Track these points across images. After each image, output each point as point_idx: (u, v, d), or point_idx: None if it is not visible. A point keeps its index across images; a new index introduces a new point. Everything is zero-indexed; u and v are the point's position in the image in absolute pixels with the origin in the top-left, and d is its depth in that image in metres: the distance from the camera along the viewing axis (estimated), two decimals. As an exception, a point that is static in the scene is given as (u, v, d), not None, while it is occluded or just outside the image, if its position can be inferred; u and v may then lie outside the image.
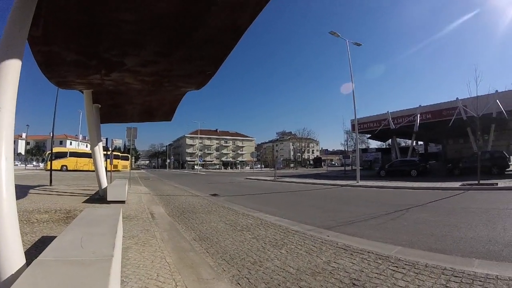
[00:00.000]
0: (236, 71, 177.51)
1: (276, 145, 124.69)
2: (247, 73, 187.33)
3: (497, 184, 16.09)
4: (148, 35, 5.11)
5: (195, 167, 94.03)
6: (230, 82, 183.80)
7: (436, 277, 4.25)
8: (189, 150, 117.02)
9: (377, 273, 4.47)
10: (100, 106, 14.03)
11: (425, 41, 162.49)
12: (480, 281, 4.07)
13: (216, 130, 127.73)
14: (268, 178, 32.11)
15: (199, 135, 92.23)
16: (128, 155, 49.49)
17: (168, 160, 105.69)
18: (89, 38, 5.84)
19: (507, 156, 25.28)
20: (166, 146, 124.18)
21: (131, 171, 37.67)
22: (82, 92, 12.38)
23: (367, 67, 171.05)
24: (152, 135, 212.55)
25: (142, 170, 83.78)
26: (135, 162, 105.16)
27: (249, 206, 12.20)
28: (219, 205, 12.54)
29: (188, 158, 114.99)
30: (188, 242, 6.69)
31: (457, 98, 31.95)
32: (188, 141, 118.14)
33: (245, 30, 4.89)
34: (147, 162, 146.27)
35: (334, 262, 5.03)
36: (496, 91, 29.75)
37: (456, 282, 4.06)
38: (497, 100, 28.68)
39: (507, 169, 24.29)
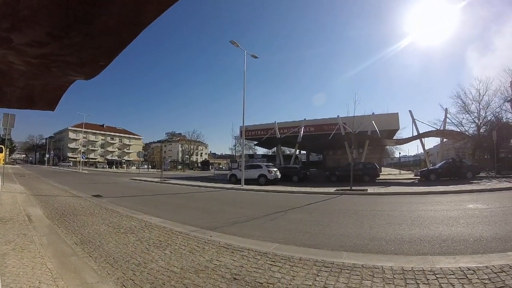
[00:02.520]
0: (131, 66, 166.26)
1: (165, 146, 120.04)
2: (142, 70, 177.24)
3: (367, 190, 18.19)
4: (44, 13, 4.52)
5: (74, 164, 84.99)
6: (124, 77, 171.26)
7: (309, 268, 4.74)
8: (72, 145, 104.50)
9: (256, 268, 4.79)
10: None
11: (315, 60, 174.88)
12: (347, 269, 4.65)
13: (103, 125, 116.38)
14: (155, 180, 31.12)
15: (83, 129, 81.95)
16: (2, 146, 42.78)
17: (47, 155, 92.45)
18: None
19: (378, 167, 30.32)
20: (46, 138, 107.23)
21: (5, 166, 32.61)
22: None
23: (266, 78, 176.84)
24: (31, 125, 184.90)
25: (17, 166, 72.70)
26: (9, 156, 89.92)
27: (134, 208, 11.71)
28: (102, 207, 11.72)
29: (70, 154, 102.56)
30: (70, 246, 6.22)
31: (338, 115, 36.38)
32: (71, 135, 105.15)
33: (147, 25, 4.67)
34: (23, 156, 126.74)
35: (216, 260, 5.21)
36: (373, 113, 36.03)
37: (326, 272, 4.58)
38: (373, 121, 33.77)
39: (378, 178, 29.01)
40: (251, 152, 73.50)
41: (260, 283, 4.21)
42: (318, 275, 4.42)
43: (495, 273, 4.32)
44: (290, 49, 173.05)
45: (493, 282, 4.01)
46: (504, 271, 4.34)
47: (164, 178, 31.91)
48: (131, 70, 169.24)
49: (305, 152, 60.75)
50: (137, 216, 9.79)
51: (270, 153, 63.79)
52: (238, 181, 26.77)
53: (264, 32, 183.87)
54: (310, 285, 4.13)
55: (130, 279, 4.45)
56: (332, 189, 18.94)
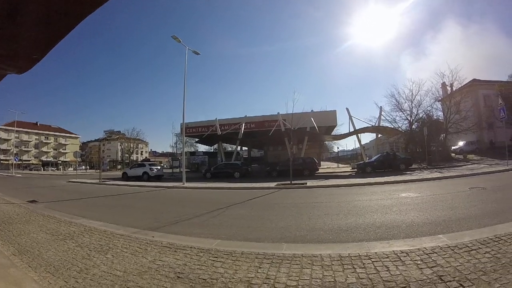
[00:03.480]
0: (66, 60, 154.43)
1: (103, 145, 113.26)
2: (78, 65, 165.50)
3: (306, 183, 18.88)
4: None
5: (6, 167, 77.49)
6: (59, 72, 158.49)
7: (251, 261, 4.78)
8: (3, 146, 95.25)
9: (199, 265, 4.76)
10: None
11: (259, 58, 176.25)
12: (288, 260, 4.74)
13: (36, 124, 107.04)
14: (94, 181, 29.61)
15: (15, 128, 74.08)
16: None
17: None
18: None
19: (317, 162, 32.12)
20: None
21: None
22: None
23: (211, 74, 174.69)
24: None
25: None
26: None
27: (72, 212, 10.99)
28: (38, 213, 10.85)
29: (1, 156, 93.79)
30: (7, 257, 5.70)
31: (278, 112, 37.64)
32: (2, 134, 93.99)
33: (84, 17, 4.37)
34: None
35: (159, 260, 5.10)
36: (312, 110, 38.11)
37: (268, 263, 4.65)
38: (312, 118, 35.43)
39: (317, 172, 30.29)
40: (192, 149, 72.73)
41: (203, 279, 4.20)
42: (260, 267, 4.49)
43: (426, 254, 4.64)
44: (235, 46, 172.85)
45: (425, 263, 4.30)
46: (435, 252, 4.68)
47: (103, 179, 30.41)
48: (67, 65, 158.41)
49: (246, 148, 61.25)
50: (76, 220, 9.23)
51: (212, 150, 63.53)
52: (129, 179, 30.69)
53: (209, 28, 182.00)
54: (252, 277, 4.17)
55: (73, 287, 4.23)
56: (272, 184, 19.26)
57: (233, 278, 4.18)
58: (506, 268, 4.00)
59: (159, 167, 34.06)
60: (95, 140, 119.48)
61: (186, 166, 29.93)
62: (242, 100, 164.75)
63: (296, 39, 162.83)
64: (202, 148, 71.76)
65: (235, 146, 44.35)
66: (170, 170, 48.23)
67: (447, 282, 3.69)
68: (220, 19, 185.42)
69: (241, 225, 8.16)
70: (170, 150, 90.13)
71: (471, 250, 4.72)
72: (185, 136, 30.97)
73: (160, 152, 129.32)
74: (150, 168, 32.12)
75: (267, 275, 4.20)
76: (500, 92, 36.30)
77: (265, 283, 3.97)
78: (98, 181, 29.15)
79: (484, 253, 4.56)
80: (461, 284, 3.61)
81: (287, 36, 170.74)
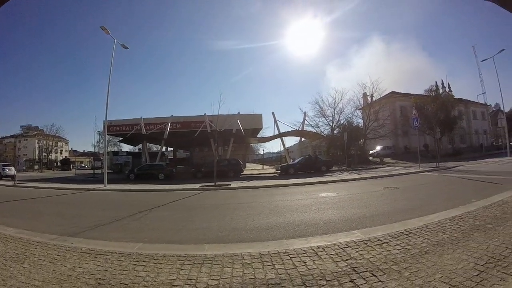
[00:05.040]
0: None
1: (19, 142, 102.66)
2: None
3: (230, 184, 19.00)
4: None
5: None
6: None
7: (173, 264, 4.70)
8: None
9: (120, 270, 4.58)
10: None
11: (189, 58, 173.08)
12: (209, 260, 4.74)
13: None
14: (7, 183, 26.93)
15: None
16: None
17: None
18: None
19: (242, 163, 32.45)
20: None
21: None
22: None
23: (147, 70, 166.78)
24: None
25: None
26: None
27: None
28: None
29: None
30: None
31: (205, 113, 37.12)
32: None
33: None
34: None
35: (79, 267, 4.80)
36: (238, 112, 38.28)
37: (190, 265, 4.60)
38: (238, 120, 35.58)
39: (242, 173, 30.58)
40: (116, 149, 69.61)
41: (125, 284, 4.06)
42: (182, 269, 4.44)
43: (341, 248, 4.95)
44: (164, 43, 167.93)
45: (340, 256, 4.58)
46: (350, 246, 5.02)
47: (18, 180, 27.69)
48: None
49: (172, 149, 60.00)
50: (-13, 228, 8.35)
51: (136, 150, 61.10)
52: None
53: (137, 21, 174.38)
54: (174, 279, 4.11)
55: (-11, 301, 3.83)
56: (197, 185, 19.08)
57: (155, 281, 4.10)
58: (415, 258, 4.41)
59: (12, 168, 38.08)
60: (10, 136, 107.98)
61: (109, 167, 28.55)
62: (169, 99, 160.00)
63: (224, 40, 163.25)
64: (126, 148, 68.85)
65: (160, 146, 43.10)
66: (92, 171, 45.35)
67: (360, 273, 3.95)
68: (149, 12, 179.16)
69: (163, 228, 8.02)
70: (92, 149, 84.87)
71: (383, 243, 5.13)
72: (108, 134, 29.60)
73: (82, 151, 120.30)
74: (3, 169, 36.47)
75: (189, 276, 4.16)
76: (415, 104, 40.18)
77: (187, 284, 3.94)
78: (13, 182, 26.66)
79: (395, 245, 4.99)
80: (373, 274, 3.89)
81: (214, 37, 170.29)
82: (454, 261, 4.22)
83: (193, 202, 13.16)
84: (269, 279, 3.90)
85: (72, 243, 6.39)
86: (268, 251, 4.95)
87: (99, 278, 4.30)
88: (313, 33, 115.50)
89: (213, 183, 18.87)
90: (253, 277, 4.00)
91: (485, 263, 4.07)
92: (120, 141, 58.64)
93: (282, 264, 4.40)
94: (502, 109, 53.07)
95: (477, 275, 3.73)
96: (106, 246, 5.97)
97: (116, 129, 41.12)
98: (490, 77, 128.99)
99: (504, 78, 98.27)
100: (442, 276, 3.76)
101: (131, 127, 40.00)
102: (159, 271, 4.44)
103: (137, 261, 4.93)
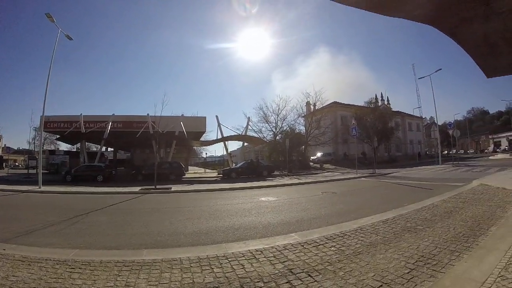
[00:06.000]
0: None
1: None
2: None
3: (171, 188, 18.71)
4: None
5: None
6: None
7: (110, 270, 4.55)
8: None
9: (55, 278, 4.35)
10: None
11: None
12: (147, 266, 4.65)
13: None
14: None
15: None
16: None
17: None
18: None
19: (184, 166, 31.88)
20: None
21: None
22: None
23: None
24: None
25: None
26: None
27: None
28: None
29: None
30: None
31: (148, 113, 34.84)
32: None
33: None
34: None
35: (13, 276, 4.49)
36: (182, 114, 38.22)
37: (127, 271, 4.49)
38: (181, 122, 34.77)
39: (183, 177, 30.15)
40: (53, 147, 65.48)
41: None
42: (119, 275, 4.31)
43: (279, 251, 5.09)
44: (109, 37, 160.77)
45: (277, 258, 4.72)
46: (287, 249, 5.18)
47: None
48: None
49: (112, 149, 57.67)
50: None
51: (75, 149, 57.84)
52: None
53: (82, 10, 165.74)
54: (111, 286, 4.00)
55: None
56: (137, 188, 18.53)
57: (92, 288, 3.97)
58: (349, 258, 4.65)
59: None
60: None
61: (45, 167, 26.61)
62: (111, 96, 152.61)
63: (171, 38, 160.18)
64: (63, 146, 64.94)
65: (100, 146, 41.08)
66: (26, 171, 42.05)
67: (296, 274, 4.09)
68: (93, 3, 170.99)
69: (101, 233, 7.68)
70: (27, 146, 78.53)
71: (319, 245, 5.36)
72: (45, 131, 27.56)
73: (16, 148, 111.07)
74: None
75: (127, 282, 4.07)
76: (355, 114, 42.88)
77: (125, 290, 3.85)
78: None
79: (331, 247, 5.23)
80: (309, 275, 4.04)
81: (158, 39, 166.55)
82: (386, 260, 4.52)
83: (133, 205, 12.75)
84: (207, 283, 3.91)
85: (4, 249, 5.96)
86: (207, 255, 4.96)
87: (34, 287, 4.08)
88: (261, 42, 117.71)
89: (153, 186, 18.46)
90: (191, 281, 3.99)
91: (416, 262, 4.41)
92: (57, 139, 54.66)
93: (221, 267, 4.43)
94: (435, 122, 57.89)
95: (408, 273, 4.03)
96: (40, 253, 5.63)
97: (53, 126, 38.08)
98: (426, 93, 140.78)
99: (438, 95, 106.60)
100: (374, 275, 3.99)
101: (70, 124, 37.09)
102: (96, 278, 4.28)
103: (73, 268, 4.73)
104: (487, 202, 9.29)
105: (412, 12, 8.05)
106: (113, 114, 36.96)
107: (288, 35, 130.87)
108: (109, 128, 35.19)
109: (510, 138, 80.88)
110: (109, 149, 54.76)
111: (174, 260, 4.80)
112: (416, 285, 3.70)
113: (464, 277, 3.85)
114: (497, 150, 75.90)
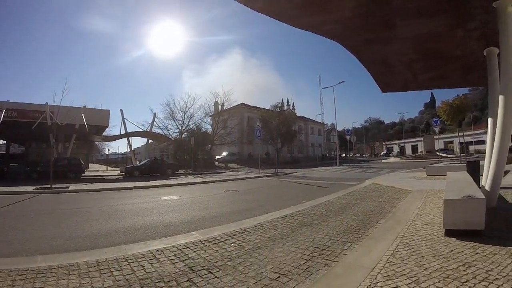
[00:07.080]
0: None
1: None
2: None
3: (69, 187, 17.58)
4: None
5: None
6: None
7: (3, 280, 4.15)
8: None
9: None
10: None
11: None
12: (43, 273, 4.36)
13: None
14: None
15: None
16: None
17: None
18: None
19: (83, 164, 29.27)
20: None
21: None
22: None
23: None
24: None
25: None
26: None
27: None
28: None
29: None
30: None
31: (46, 103, 30.78)
32: None
33: None
34: None
35: None
36: (84, 106, 34.97)
37: (21, 280, 4.14)
38: (83, 114, 32.12)
39: (83, 175, 27.97)
40: None
41: None
42: (13, 286, 3.97)
43: (180, 250, 5.23)
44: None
45: (178, 257, 4.85)
46: (188, 247, 5.35)
47: None
48: None
49: (5, 142, 51.13)
50: None
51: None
52: None
53: None
54: None
55: None
56: (31, 188, 16.93)
57: (-18, 303, 3.64)
58: (249, 253, 4.97)
59: None
60: None
61: None
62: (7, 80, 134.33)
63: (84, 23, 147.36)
64: None
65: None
66: None
67: (197, 271, 4.26)
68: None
69: (-11, 239, 6.91)
70: None
71: (220, 242, 5.62)
72: None
73: None
74: None
75: (22, 293, 3.81)
76: (261, 117, 44.47)
77: (19, 302, 3.62)
78: None
79: (231, 243, 5.53)
80: (210, 271, 4.24)
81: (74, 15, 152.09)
82: (284, 253, 4.93)
83: (25, 207, 11.59)
84: (106, 287, 3.88)
85: None
86: (106, 258, 4.87)
87: None
88: (175, 35, 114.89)
89: (49, 185, 17.09)
90: (90, 286, 3.92)
91: (311, 253, 4.87)
92: None
93: (120, 270, 4.40)
94: (335, 128, 65.06)
95: (304, 263, 4.44)
96: None
97: None
98: (329, 101, 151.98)
99: (340, 104, 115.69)
100: (273, 267, 4.33)
101: None
102: (-11, 289, 3.92)
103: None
104: (378, 198, 10.46)
105: (319, 27, 8.73)
106: (8, 100, 32.08)
107: (203, 34, 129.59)
108: (2, 117, 29.83)
109: (401, 145, 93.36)
110: (1, 141, 48.88)
111: (72, 265, 4.61)
112: (311, 274, 4.07)
113: (355, 265, 4.33)
114: (390, 154, 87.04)
